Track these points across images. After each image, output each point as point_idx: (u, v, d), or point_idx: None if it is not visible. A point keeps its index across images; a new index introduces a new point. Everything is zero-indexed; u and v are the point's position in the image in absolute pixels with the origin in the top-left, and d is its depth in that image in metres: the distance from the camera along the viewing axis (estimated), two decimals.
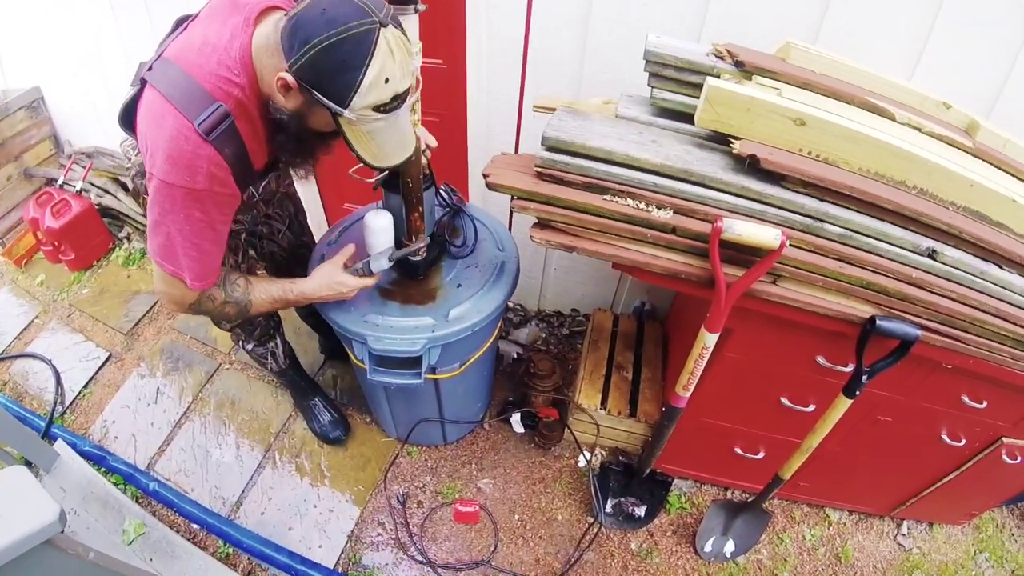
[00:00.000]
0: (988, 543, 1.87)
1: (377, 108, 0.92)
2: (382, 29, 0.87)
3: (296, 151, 1.13)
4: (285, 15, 0.92)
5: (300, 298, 1.30)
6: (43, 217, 2.43)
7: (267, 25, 0.96)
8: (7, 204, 2.73)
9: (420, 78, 0.99)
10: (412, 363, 1.35)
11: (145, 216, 1.09)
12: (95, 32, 2.27)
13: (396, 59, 0.89)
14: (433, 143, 1.42)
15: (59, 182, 2.59)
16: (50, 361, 2.21)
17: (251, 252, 1.53)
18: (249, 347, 1.68)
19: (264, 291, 1.27)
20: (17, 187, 2.76)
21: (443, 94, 1.89)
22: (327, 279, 1.30)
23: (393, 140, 1.00)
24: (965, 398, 1.32)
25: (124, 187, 2.63)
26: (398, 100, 0.93)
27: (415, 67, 0.96)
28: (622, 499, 1.74)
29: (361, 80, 0.87)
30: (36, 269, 2.64)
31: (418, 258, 1.44)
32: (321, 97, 0.90)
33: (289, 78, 0.90)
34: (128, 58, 2.23)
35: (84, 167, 2.63)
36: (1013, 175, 1.23)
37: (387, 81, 0.89)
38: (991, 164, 1.22)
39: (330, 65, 0.87)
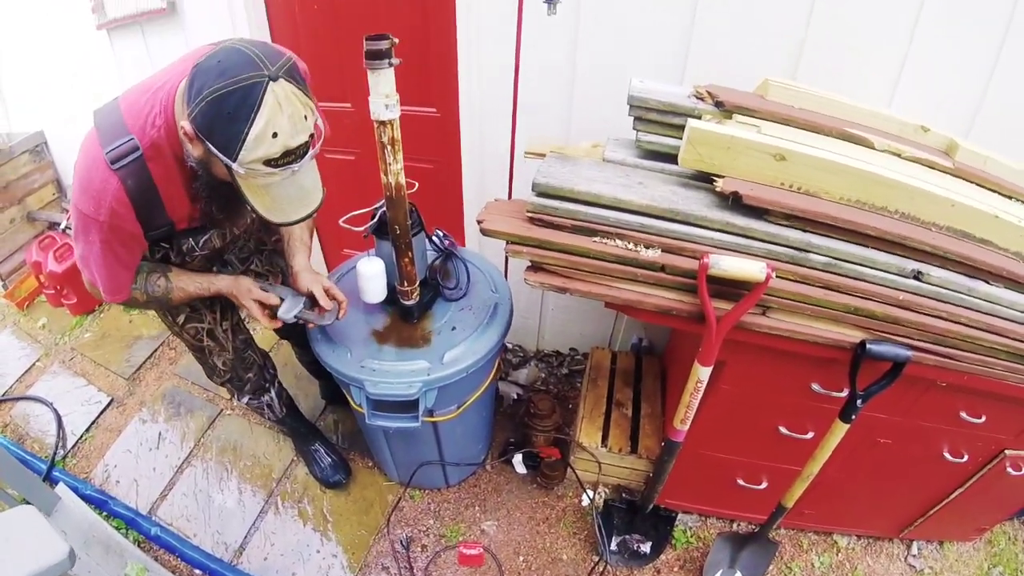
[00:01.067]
0: (1001, 557, 1.85)
1: (268, 163, 0.91)
2: (271, 83, 0.87)
3: (213, 198, 1.14)
4: (193, 65, 0.93)
5: (215, 293, 1.31)
6: (46, 261, 2.47)
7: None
8: (10, 247, 2.77)
9: (324, 130, 0.99)
10: (409, 406, 1.36)
11: None
12: (96, 77, 2.34)
13: (285, 113, 0.88)
14: (340, 297, 1.39)
15: (62, 226, 2.63)
16: (52, 404, 2.22)
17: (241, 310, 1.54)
18: (244, 400, 1.70)
19: (183, 285, 1.27)
20: (20, 230, 2.80)
21: (437, 142, 1.94)
22: (236, 289, 1.29)
23: (289, 195, 0.99)
24: (963, 414, 1.32)
25: None
26: (291, 156, 0.92)
27: (312, 123, 0.94)
28: (627, 536, 1.72)
29: (247, 133, 0.87)
30: (38, 312, 2.67)
31: (410, 302, 1.46)
32: (211, 148, 0.90)
33: (187, 126, 0.91)
34: None
35: None
36: (995, 191, 1.25)
37: (275, 135, 0.88)
38: (972, 183, 1.24)
39: (219, 116, 0.88)
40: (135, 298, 1.24)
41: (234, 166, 0.90)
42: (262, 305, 1.30)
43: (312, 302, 1.36)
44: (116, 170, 0.99)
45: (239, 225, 1.34)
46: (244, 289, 1.30)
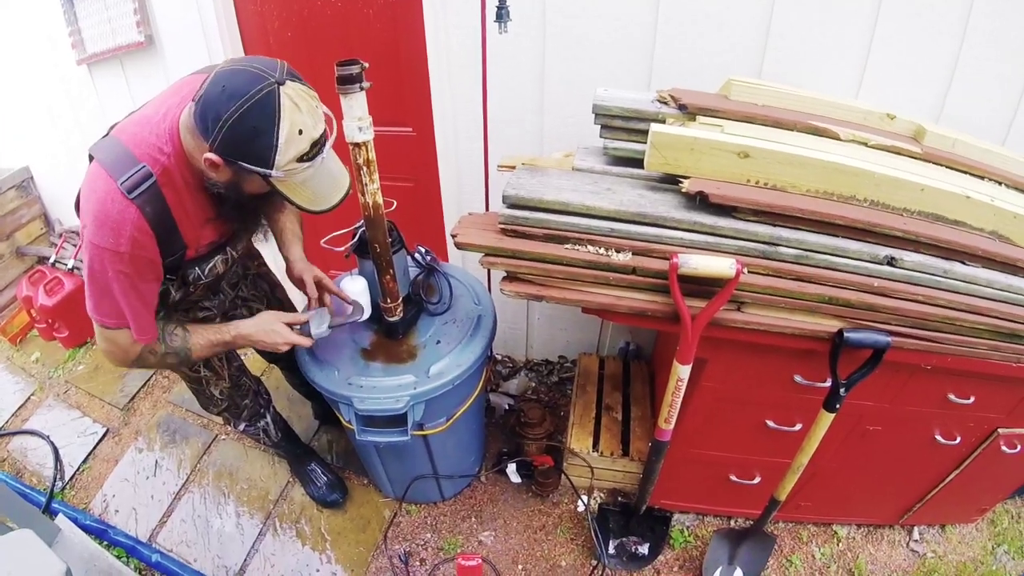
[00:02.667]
0: (1005, 536, 1.85)
1: (301, 159, 0.95)
2: (280, 87, 0.91)
3: (242, 218, 1.18)
4: (193, 99, 0.96)
5: (236, 338, 1.30)
6: (36, 295, 2.48)
7: (188, 108, 1.00)
8: (1, 282, 2.79)
9: (332, 117, 1.04)
10: (398, 420, 1.37)
11: None
12: (79, 111, 2.37)
13: (303, 109, 0.93)
14: (332, 288, 1.46)
15: (51, 260, 2.65)
16: (48, 437, 2.22)
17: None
18: (241, 427, 1.70)
19: (202, 337, 1.27)
20: (10, 266, 2.82)
21: (415, 160, 1.96)
22: (264, 324, 1.30)
23: (325, 183, 1.04)
24: (952, 396, 1.32)
25: None
26: (318, 146, 0.97)
27: (323, 112, 0.99)
28: (624, 539, 1.72)
29: (277, 140, 0.91)
30: (31, 347, 2.68)
31: (395, 318, 1.47)
32: (247, 165, 0.94)
33: (214, 157, 0.94)
34: None
35: (75, 245, 2.69)
36: (966, 172, 1.26)
37: (300, 132, 0.93)
38: (942, 165, 1.26)
39: (244, 135, 0.91)
40: (152, 349, 1.20)
41: (272, 173, 0.95)
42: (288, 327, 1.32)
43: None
44: (133, 199, 1.00)
45: (241, 247, 1.35)
46: (269, 322, 1.30)
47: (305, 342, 1.33)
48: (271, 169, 0.94)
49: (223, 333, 1.29)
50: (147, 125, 1.03)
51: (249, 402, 1.65)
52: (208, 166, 0.97)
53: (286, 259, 1.46)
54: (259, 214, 1.22)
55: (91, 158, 1.05)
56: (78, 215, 1.11)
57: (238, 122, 0.90)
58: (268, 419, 1.74)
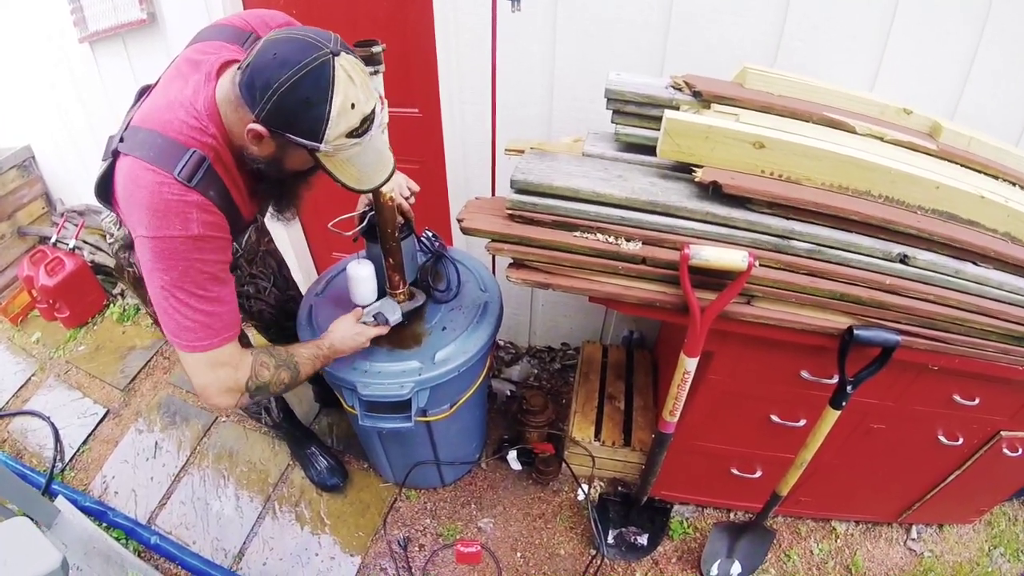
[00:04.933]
0: (1002, 538, 1.85)
1: (350, 135, 0.91)
2: (335, 58, 0.87)
3: (280, 195, 1.14)
4: (238, 68, 0.92)
5: (331, 352, 1.28)
6: (37, 275, 2.46)
7: (226, 79, 0.96)
8: (1, 263, 2.77)
9: (384, 97, 1.00)
10: (402, 407, 1.36)
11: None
12: (81, 90, 2.33)
13: (356, 83, 0.89)
14: (415, 187, 1.44)
15: (52, 240, 2.63)
16: (48, 418, 2.22)
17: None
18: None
19: (301, 354, 1.22)
20: (11, 246, 2.80)
21: (420, 142, 1.93)
22: (350, 330, 1.31)
23: (371, 161, 1.00)
24: (957, 397, 1.31)
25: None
26: (368, 122, 0.93)
27: (376, 86, 0.95)
28: (623, 529, 1.72)
29: (329, 112, 0.87)
30: (32, 327, 2.67)
31: (416, 305, 1.46)
32: (294, 138, 0.90)
33: (259, 128, 0.90)
34: (115, 116, 2.30)
35: (76, 225, 2.67)
36: (980, 171, 1.24)
37: (353, 106, 0.89)
38: (957, 164, 1.24)
39: (295, 105, 0.87)
40: (264, 362, 1.12)
41: (321, 147, 0.90)
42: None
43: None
44: (194, 186, 0.95)
45: (288, 212, 1.29)
46: (352, 327, 1.31)
47: (384, 331, 1.35)
48: (320, 143, 0.89)
49: (318, 348, 1.26)
50: (179, 108, 0.96)
51: None
52: (252, 138, 0.92)
53: None
54: (297, 192, 1.16)
55: (115, 155, 0.98)
56: (109, 207, 1.07)
57: (290, 91, 0.85)
58: (271, 397, 1.73)
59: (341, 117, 0.88)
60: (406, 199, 1.42)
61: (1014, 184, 1.26)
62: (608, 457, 1.84)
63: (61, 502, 1.77)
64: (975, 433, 1.42)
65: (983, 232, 1.14)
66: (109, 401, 2.29)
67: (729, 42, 1.46)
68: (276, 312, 1.67)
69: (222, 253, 1.02)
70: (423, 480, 1.88)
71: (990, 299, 1.13)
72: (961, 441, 1.42)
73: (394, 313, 1.37)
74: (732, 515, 1.85)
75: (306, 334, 1.49)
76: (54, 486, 1.96)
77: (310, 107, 0.87)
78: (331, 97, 0.86)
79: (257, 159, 0.98)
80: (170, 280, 0.96)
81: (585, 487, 1.90)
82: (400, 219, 1.37)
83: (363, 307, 1.38)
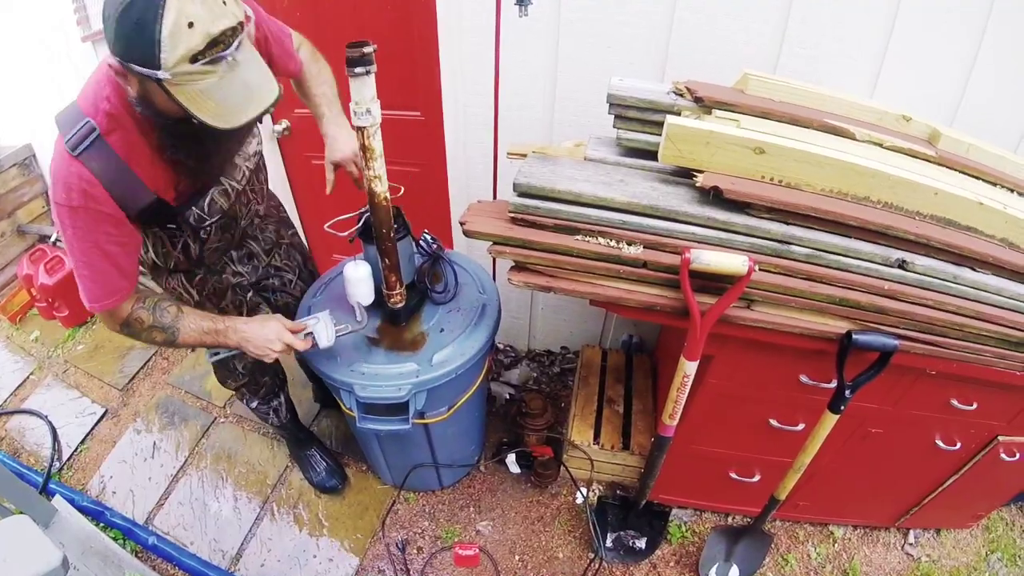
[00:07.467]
0: (999, 543, 1.85)
1: (195, 59, 0.82)
2: None
3: (180, 146, 1.05)
4: None
5: (230, 333, 1.23)
6: (37, 274, 2.47)
7: None
8: (1, 261, 2.77)
9: (250, 14, 0.93)
10: (400, 409, 1.36)
11: None
12: (81, 88, 2.34)
13: (196, 0, 0.81)
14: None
15: (52, 239, 2.63)
16: (46, 417, 2.22)
17: (263, 305, 1.52)
18: (253, 404, 1.69)
19: (194, 321, 1.21)
20: (11, 244, 2.80)
21: (422, 145, 1.94)
22: (266, 331, 1.24)
23: (235, 94, 0.89)
24: (954, 402, 1.32)
25: None
26: (218, 45, 0.83)
27: (234, 9, 0.85)
28: (622, 533, 1.72)
29: (159, 32, 0.79)
30: (31, 325, 2.68)
31: (399, 305, 1.45)
32: (135, 67, 0.83)
33: (113, 62, 0.85)
34: None
35: None
36: (979, 178, 1.25)
37: (191, 25, 0.80)
38: (956, 170, 1.24)
39: (129, 30, 0.80)
40: (139, 318, 1.15)
41: (161, 75, 0.82)
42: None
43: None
44: (77, 156, 0.96)
45: (232, 175, 1.25)
46: (273, 330, 1.25)
47: (302, 345, 1.29)
48: (158, 69, 0.81)
49: (217, 323, 1.23)
50: (94, 75, 0.98)
51: (268, 379, 1.65)
52: (115, 75, 0.89)
53: (324, 135, 1.34)
54: (211, 147, 1.09)
55: None
56: None
57: (123, 16, 0.79)
58: (282, 399, 1.74)
59: (176, 38, 0.79)
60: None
61: (1012, 190, 1.26)
62: (607, 461, 1.84)
63: (58, 501, 1.77)
64: (973, 438, 1.43)
65: (981, 238, 1.14)
66: (107, 401, 2.29)
67: (730, 48, 1.47)
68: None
69: (102, 227, 1.02)
70: (421, 482, 1.88)
71: (988, 304, 1.13)
72: (959, 446, 1.42)
73: (327, 338, 1.30)
74: (730, 519, 1.86)
75: None
76: (51, 485, 1.96)
77: (141, 30, 0.79)
78: (160, 16, 0.78)
79: (135, 102, 0.93)
80: (66, 239, 1.02)
81: (584, 490, 1.90)
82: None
83: (309, 321, 1.33)
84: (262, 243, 1.46)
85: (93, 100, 0.97)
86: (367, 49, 1.04)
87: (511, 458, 1.96)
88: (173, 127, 0.97)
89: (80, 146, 0.96)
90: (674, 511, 1.82)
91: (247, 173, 1.29)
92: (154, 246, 1.26)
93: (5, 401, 2.33)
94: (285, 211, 1.65)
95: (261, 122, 1.10)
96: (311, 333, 1.30)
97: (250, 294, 1.49)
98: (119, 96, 0.96)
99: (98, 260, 1.05)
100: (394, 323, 1.50)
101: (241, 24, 0.86)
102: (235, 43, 0.85)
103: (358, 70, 1.05)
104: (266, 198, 1.46)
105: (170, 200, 1.12)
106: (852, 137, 1.22)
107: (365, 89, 1.08)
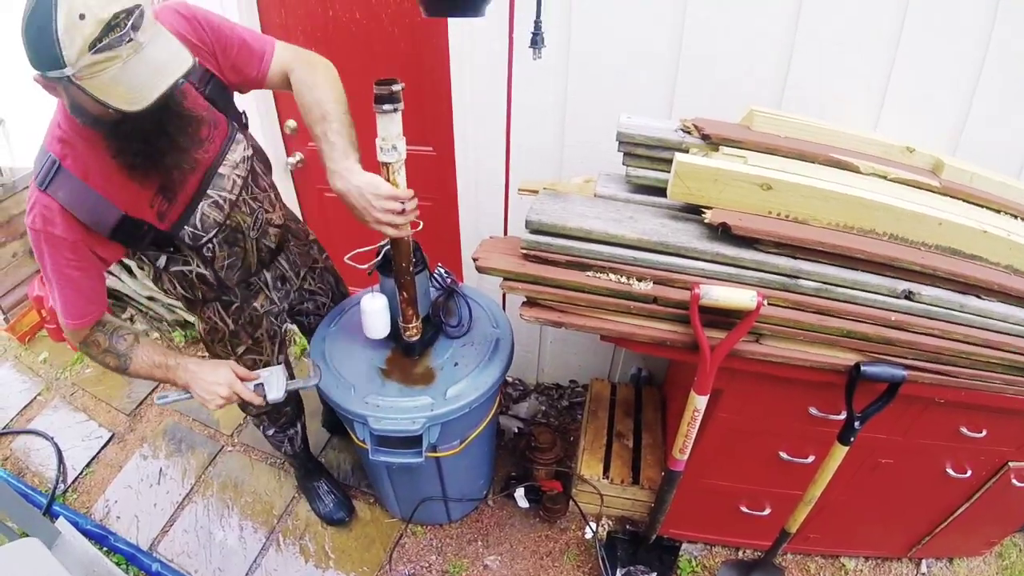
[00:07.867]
0: (1013, 569, 1.83)
1: (94, 48, 0.81)
2: None
3: (126, 149, 1.02)
4: None
5: (181, 377, 1.22)
6: (47, 295, 2.48)
7: None
8: (12, 281, 2.78)
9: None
10: (413, 442, 1.36)
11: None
12: None
13: None
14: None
15: None
16: (52, 439, 2.21)
17: (297, 330, 1.52)
18: (270, 432, 1.70)
19: (148, 354, 1.22)
20: (23, 264, 2.81)
21: (434, 179, 1.97)
22: (222, 378, 1.22)
23: (140, 74, 0.87)
24: (964, 429, 1.32)
25: (128, 269, 2.69)
26: (115, 29, 0.82)
27: (395, 125, 0.89)
28: (631, 568, 1.70)
29: (56, 32, 0.80)
30: (39, 346, 2.68)
31: (415, 338, 1.46)
32: (49, 74, 0.84)
33: (37, 77, 0.87)
34: None
35: None
36: (983, 206, 1.26)
37: (83, 16, 0.80)
38: (960, 199, 1.26)
39: (34, 38, 0.83)
40: (96, 340, 1.19)
41: (68, 72, 0.82)
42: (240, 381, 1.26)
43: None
44: (44, 190, 1.01)
45: (220, 185, 1.20)
46: (223, 375, 1.22)
47: (256, 399, 1.27)
48: (67, 68, 0.82)
49: (169, 358, 1.23)
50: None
51: (290, 409, 1.65)
52: (51, 93, 0.92)
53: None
54: (173, 153, 1.07)
55: None
56: None
57: (28, 26, 0.82)
58: (298, 427, 1.74)
59: (71, 32, 0.80)
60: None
61: (1016, 217, 1.28)
62: (616, 495, 1.83)
63: (62, 523, 1.76)
64: (983, 465, 1.42)
65: (986, 266, 1.15)
66: (114, 425, 2.29)
67: (735, 85, 1.50)
68: None
69: (62, 252, 1.07)
70: (429, 516, 1.87)
71: (994, 331, 1.14)
72: (969, 473, 1.42)
73: (278, 391, 1.27)
74: (741, 553, 1.83)
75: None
76: (55, 507, 1.95)
77: (42, 33, 0.81)
78: (54, 16, 0.80)
79: (75, 115, 0.95)
80: (40, 264, 1.10)
81: (593, 525, 1.88)
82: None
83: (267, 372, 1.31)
84: (294, 257, 1.46)
85: (49, 132, 1.03)
86: (396, 87, 1.06)
87: (520, 492, 1.94)
88: (114, 130, 0.97)
89: (46, 180, 1.01)
90: (684, 546, 1.80)
91: (238, 181, 1.24)
92: (171, 279, 1.29)
93: (11, 421, 2.33)
94: (314, 234, 1.66)
95: (179, 100, 1.05)
96: (261, 384, 1.28)
97: (286, 325, 1.50)
98: (65, 117, 1.00)
99: (63, 283, 1.11)
100: (408, 356, 1.51)
101: (137, 6, 0.85)
102: (131, 24, 0.84)
103: (386, 107, 1.06)
104: (280, 207, 1.42)
105: (153, 221, 1.13)
106: (857, 170, 1.24)
107: (392, 126, 1.09)
